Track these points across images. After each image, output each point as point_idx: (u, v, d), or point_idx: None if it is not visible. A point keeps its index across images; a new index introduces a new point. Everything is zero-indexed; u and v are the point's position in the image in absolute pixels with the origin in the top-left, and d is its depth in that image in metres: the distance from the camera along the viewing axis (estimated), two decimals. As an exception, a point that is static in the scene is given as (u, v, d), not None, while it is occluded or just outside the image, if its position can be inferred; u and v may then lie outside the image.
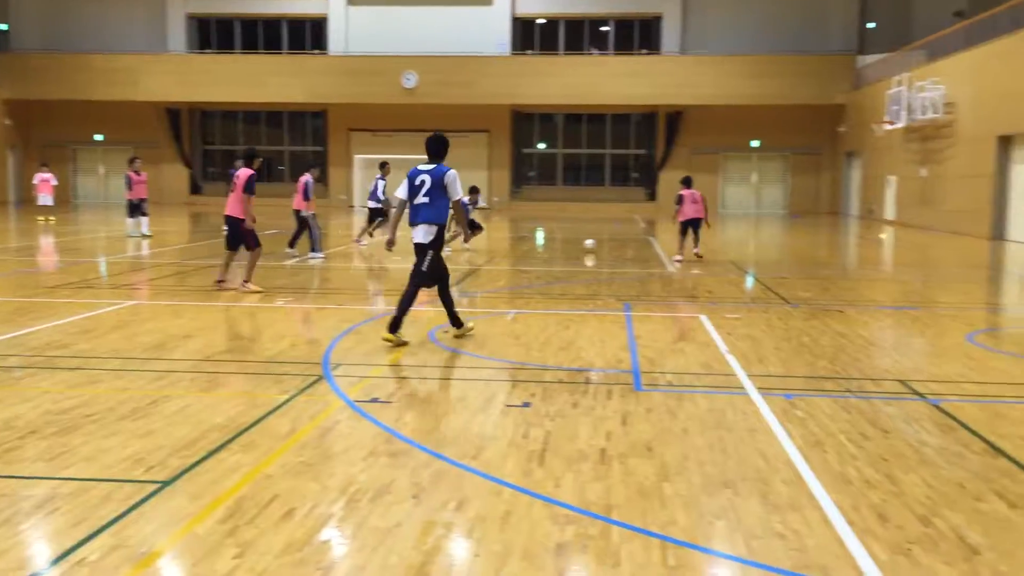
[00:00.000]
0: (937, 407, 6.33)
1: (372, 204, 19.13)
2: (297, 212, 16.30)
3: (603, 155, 40.48)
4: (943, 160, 26.86)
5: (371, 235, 19.57)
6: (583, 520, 4.24)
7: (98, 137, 41.09)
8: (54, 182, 26.93)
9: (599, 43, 39.96)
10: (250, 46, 41.13)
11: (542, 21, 40.06)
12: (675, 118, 38.63)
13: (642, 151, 40.29)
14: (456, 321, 8.75)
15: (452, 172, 8.31)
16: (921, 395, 6.68)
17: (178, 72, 38.70)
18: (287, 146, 42.01)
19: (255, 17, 40.97)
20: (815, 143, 38.52)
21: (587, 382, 6.99)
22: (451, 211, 8.46)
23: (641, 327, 9.49)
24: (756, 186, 37.77)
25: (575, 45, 39.86)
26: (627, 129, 40.51)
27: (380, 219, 19.20)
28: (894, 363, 7.97)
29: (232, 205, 11.77)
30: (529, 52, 39.56)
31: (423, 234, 8.27)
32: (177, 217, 30.69)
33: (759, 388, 6.80)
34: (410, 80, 37.56)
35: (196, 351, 7.99)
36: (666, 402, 6.40)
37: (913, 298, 12.50)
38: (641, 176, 40.51)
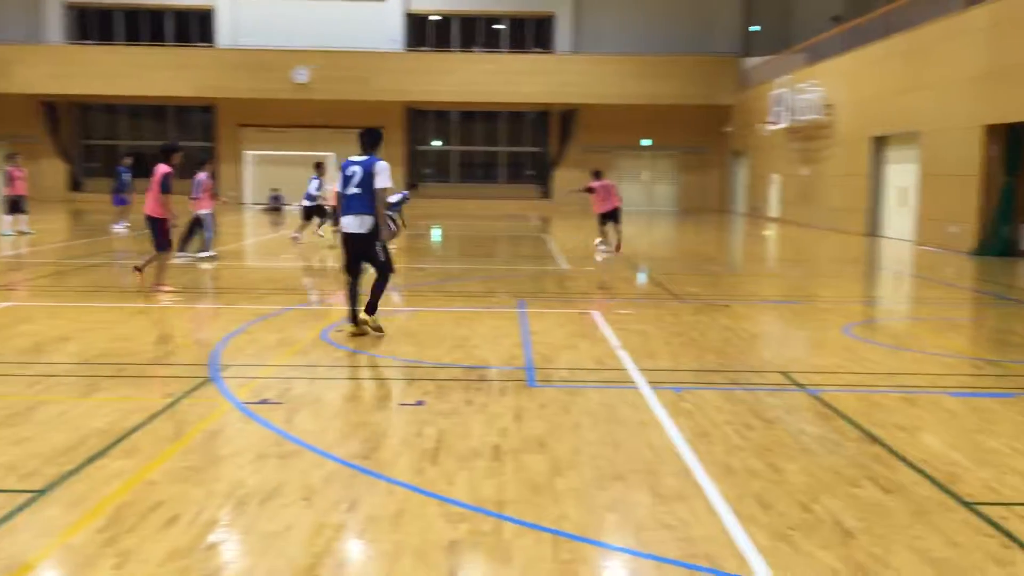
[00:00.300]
0: (816, 397, 6.59)
1: (306, 203, 18.99)
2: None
3: (498, 153, 40.66)
4: (823, 160, 27.97)
5: (320, 235, 19.43)
6: (476, 517, 4.24)
7: (-32, 130, 38.99)
8: None
9: (493, 41, 40.10)
10: (133, 38, 39.68)
11: (436, 18, 39.94)
12: (568, 116, 39.10)
13: (536, 149, 40.63)
14: (355, 317, 8.68)
15: (383, 163, 8.46)
16: (801, 386, 6.94)
17: (55, 64, 37.04)
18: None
19: (137, 7, 39.56)
20: (704, 142, 39.58)
21: (481, 379, 7.01)
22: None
23: (535, 323, 9.57)
24: (647, 184, 38.53)
25: (469, 43, 39.90)
26: (521, 127, 40.79)
27: (322, 218, 19.17)
28: (777, 355, 8.26)
29: (150, 204, 11.27)
30: (423, 49, 39.40)
31: (357, 224, 8.37)
32: (55, 214, 29.37)
33: (649, 382, 6.95)
34: (302, 75, 36.91)
35: (75, 354, 7.67)
36: (559, 397, 6.47)
37: (795, 292, 12.98)
38: (535, 174, 40.84)
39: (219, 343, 8.20)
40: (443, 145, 40.90)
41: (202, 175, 15.53)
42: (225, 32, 38.84)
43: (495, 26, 40.21)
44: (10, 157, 19.93)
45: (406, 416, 5.92)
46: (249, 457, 5.03)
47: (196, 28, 39.74)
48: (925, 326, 10.18)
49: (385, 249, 8.60)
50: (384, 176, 8.36)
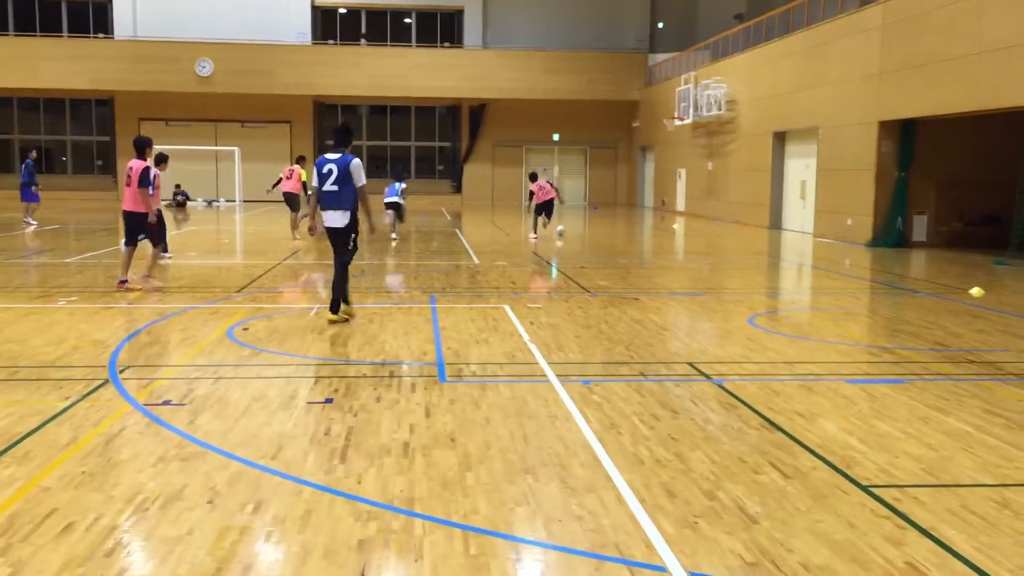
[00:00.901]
0: (720, 387, 6.74)
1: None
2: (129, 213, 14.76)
3: (408, 147, 40.42)
4: (727, 154, 28.63)
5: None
6: (385, 515, 4.21)
7: None
8: None
9: (402, 35, 39.80)
10: (25, 28, 38.08)
11: (343, 11, 39.44)
12: (478, 111, 39.13)
13: (447, 144, 40.54)
14: (336, 306, 9.19)
15: (356, 160, 8.96)
16: (707, 376, 7.09)
17: (-60, 53, 35.30)
18: (69, 135, 39.29)
19: (29, -4, 37.99)
20: (612, 137, 40.11)
21: (391, 376, 6.95)
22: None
23: (446, 319, 9.54)
24: (557, 179, 38.77)
25: (378, 36, 39.53)
26: (432, 121, 40.64)
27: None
28: (683, 346, 8.42)
29: (129, 200, 11.16)
30: (331, 42, 38.86)
31: (338, 219, 8.98)
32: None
33: (559, 375, 7.00)
34: (205, 68, 36.03)
35: (-37, 358, 7.32)
36: (470, 392, 6.47)
37: (701, 285, 13.25)
38: (446, 168, 40.74)
39: (119, 344, 7.94)
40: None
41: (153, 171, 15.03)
42: (124, 23, 37.62)
43: (404, 20, 39.94)
44: None
45: (314, 414, 5.84)
46: (150, 460, 4.89)
47: (92, 19, 38.38)
48: (824, 316, 10.51)
49: (356, 240, 9.19)
50: (360, 174, 8.93)
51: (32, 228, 21.24)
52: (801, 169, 23.83)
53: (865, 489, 4.61)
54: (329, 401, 6.16)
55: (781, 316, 10.73)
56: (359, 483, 4.61)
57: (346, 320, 9.24)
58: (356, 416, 5.80)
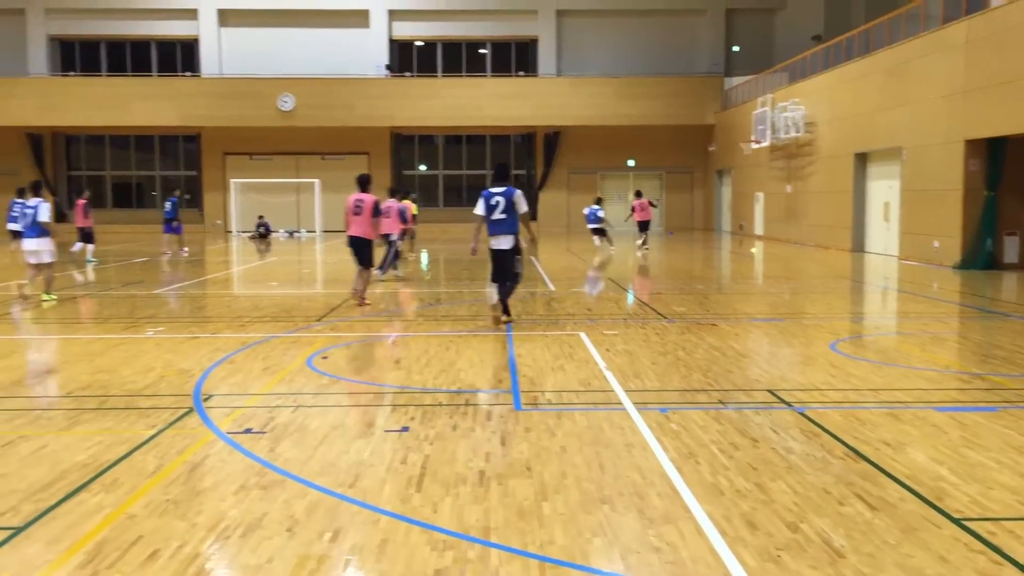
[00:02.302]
0: (802, 415, 6.57)
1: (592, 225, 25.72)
2: (387, 235, 16.83)
3: (484, 176, 40.74)
4: (806, 177, 28.13)
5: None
6: (461, 544, 4.20)
7: (-48, 163, 38.91)
8: None
9: (477, 65, 40.30)
10: (117, 68, 39.76)
11: (420, 44, 40.15)
12: (553, 138, 39.28)
13: (522, 171, 40.75)
14: (507, 309, 10.98)
15: (519, 192, 10.58)
16: (788, 404, 6.93)
17: (39, 96, 37.06)
18: (158, 171, 40.72)
19: (122, 39, 39.69)
20: (688, 162, 39.81)
21: (467, 404, 6.97)
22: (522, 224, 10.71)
23: (522, 346, 9.54)
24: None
25: (453, 67, 40.10)
26: (507, 150, 40.92)
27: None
28: (763, 373, 8.25)
29: (360, 227, 12.90)
30: (407, 74, 39.56)
31: (506, 243, 10.59)
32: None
33: (635, 403, 6.92)
34: (287, 103, 37.01)
35: (57, 387, 7.61)
36: (545, 421, 6.43)
37: (781, 310, 12.99)
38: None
39: (203, 373, 8.14)
40: (429, 169, 40.98)
41: (394, 202, 17.37)
42: (210, 61, 38.96)
43: (479, 51, 40.45)
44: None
45: (391, 443, 5.87)
46: (231, 488, 4.98)
47: (180, 58, 39.84)
48: (911, 341, 10.19)
49: (520, 262, 10.85)
50: (523, 203, 10.53)
51: (185, 254, 24.01)
52: (884, 190, 23.26)
53: (957, 522, 4.43)
54: (405, 430, 6.19)
55: (865, 341, 10.44)
56: (435, 512, 4.61)
57: (511, 321, 10.94)
58: (432, 444, 5.81)
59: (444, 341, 9.93)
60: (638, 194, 25.25)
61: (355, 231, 13.00)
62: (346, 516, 4.57)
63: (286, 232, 37.32)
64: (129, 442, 5.85)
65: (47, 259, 13.52)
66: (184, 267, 21.03)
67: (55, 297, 13.78)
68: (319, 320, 11.69)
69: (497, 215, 10.51)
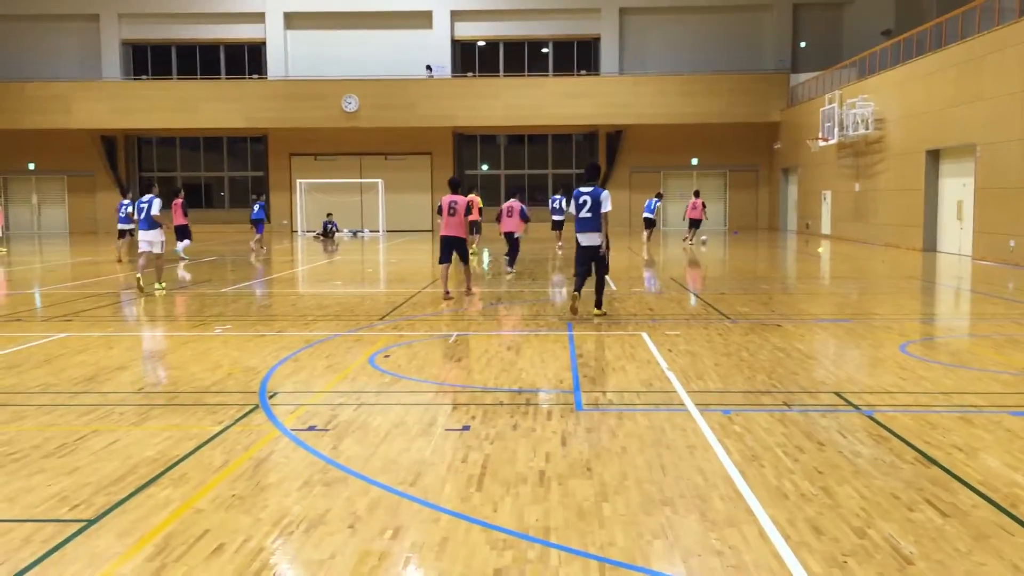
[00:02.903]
0: (871, 418, 6.42)
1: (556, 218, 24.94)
2: (510, 234, 18.75)
3: (546, 175, 40.73)
4: (875, 175, 27.52)
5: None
6: (521, 544, 4.19)
7: (30, 166, 40.24)
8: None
9: (539, 64, 40.29)
10: (188, 72, 40.72)
11: (482, 44, 40.29)
12: (615, 137, 39.08)
13: (583, 170, 40.62)
14: (600, 303, 11.59)
15: (606, 192, 11.09)
16: (855, 406, 6.78)
17: (112, 99, 38.13)
18: (227, 172, 41.58)
19: (192, 43, 40.61)
20: (752, 160, 39.27)
21: (527, 403, 6.97)
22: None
23: (583, 346, 9.51)
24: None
25: (515, 67, 40.16)
26: (568, 149, 40.85)
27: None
28: (829, 375, 8.08)
29: (454, 227, 13.50)
30: (470, 74, 39.74)
31: (590, 239, 11.08)
32: (114, 245, 30.08)
33: (698, 404, 6.84)
34: (351, 104, 37.45)
35: (128, 383, 7.80)
36: (606, 421, 6.40)
37: (848, 310, 12.72)
38: (564, 195, 40.72)
39: (269, 370, 8.27)
40: (491, 169, 41.10)
41: (515, 202, 18.87)
42: (276, 64, 39.63)
43: (542, 50, 40.43)
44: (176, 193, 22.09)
45: (452, 442, 5.90)
46: (295, 484, 5.05)
47: (248, 61, 40.62)
48: (985, 343, 9.89)
49: (607, 255, 11.27)
50: (608, 202, 10.97)
51: (263, 254, 25.50)
52: (957, 188, 22.63)
53: (1033, 531, 4.28)
54: (466, 428, 6.21)
55: (937, 343, 10.17)
56: (495, 511, 4.61)
57: (605, 314, 11.55)
58: (492, 444, 5.82)
59: (505, 340, 9.94)
60: (696, 193, 27.83)
61: (449, 231, 13.56)
62: (407, 514, 4.60)
63: (350, 232, 37.78)
64: (197, 438, 5.98)
65: (158, 249, 15.25)
66: (251, 266, 21.42)
67: (165, 285, 15.49)
68: (381, 319, 11.80)
69: (584, 213, 11.04)
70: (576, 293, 11.30)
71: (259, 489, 5.00)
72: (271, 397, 7.20)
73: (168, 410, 6.87)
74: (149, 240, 15.20)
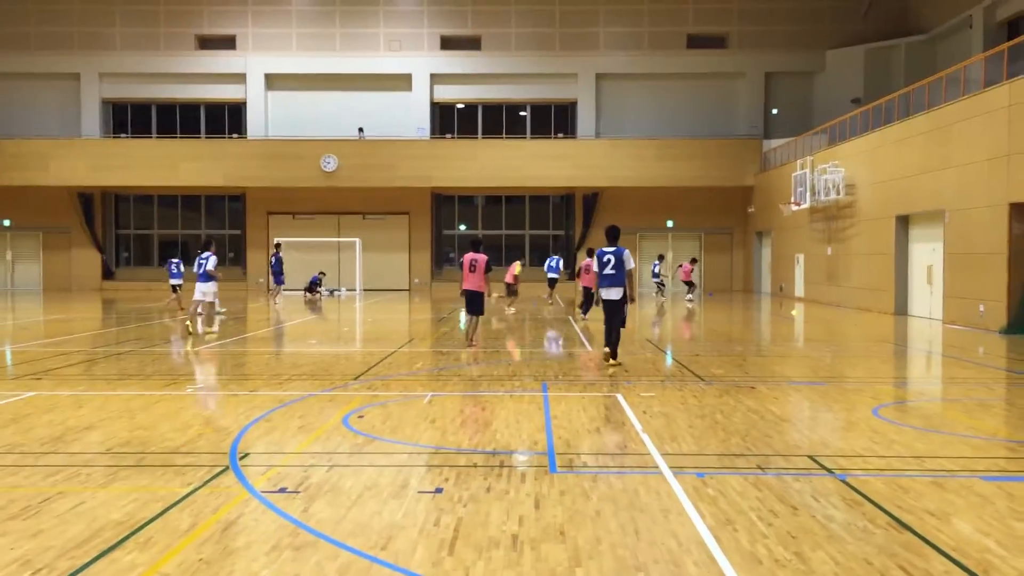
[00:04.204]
0: (844, 482, 6.43)
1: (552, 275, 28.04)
2: (588, 288, 21.20)
3: (523, 235, 40.98)
4: (847, 239, 27.92)
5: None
6: (492, 610, 4.14)
7: (6, 222, 40.02)
8: None
9: (517, 127, 40.82)
10: (167, 130, 40.88)
11: (461, 106, 40.80)
12: (592, 199, 39.49)
13: (560, 232, 40.96)
14: (615, 353, 12.90)
15: (627, 251, 12.73)
16: (829, 470, 6.79)
17: (91, 156, 38.18)
18: (204, 229, 41.51)
19: (172, 102, 40.84)
20: (727, 223, 39.76)
21: (502, 465, 6.92)
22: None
23: (558, 407, 9.49)
24: (671, 264, 38.54)
25: (494, 129, 40.65)
26: (546, 210, 41.20)
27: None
28: (803, 438, 8.10)
29: (474, 282, 15.23)
30: (448, 136, 40.16)
31: (616, 293, 12.70)
32: (88, 303, 29.85)
33: (672, 467, 6.83)
34: (330, 163, 37.67)
35: (96, 443, 7.69)
36: (580, 484, 6.36)
37: (822, 373, 12.80)
38: (560, 256, 41.02)
39: (240, 431, 8.18)
40: (468, 229, 41.33)
41: (588, 260, 20.32)
42: (256, 124, 39.89)
43: (519, 113, 40.99)
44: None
45: (424, 504, 5.84)
46: (264, 548, 4.97)
47: (228, 121, 40.87)
48: (956, 407, 9.97)
49: (626, 308, 12.85)
50: (631, 261, 12.64)
51: (280, 304, 27.22)
52: (927, 253, 22.99)
53: (1005, 597, 4.28)
54: (439, 491, 6.16)
55: (909, 407, 10.24)
56: (467, 576, 4.56)
57: (619, 365, 12.80)
58: (466, 507, 5.77)
59: (480, 401, 9.90)
60: (692, 260, 32.56)
61: (469, 285, 15.33)
62: (377, 579, 4.53)
63: (327, 291, 37.68)
64: (164, 500, 5.88)
65: (211, 299, 17.97)
66: (228, 325, 21.30)
67: (216, 330, 18.09)
68: (356, 379, 11.73)
69: (608, 271, 12.65)
70: (610, 346, 12.91)
71: (226, 553, 4.92)
72: (242, 458, 7.12)
73: (136, 471, 6.76)
74: (204, 291, 17.84)
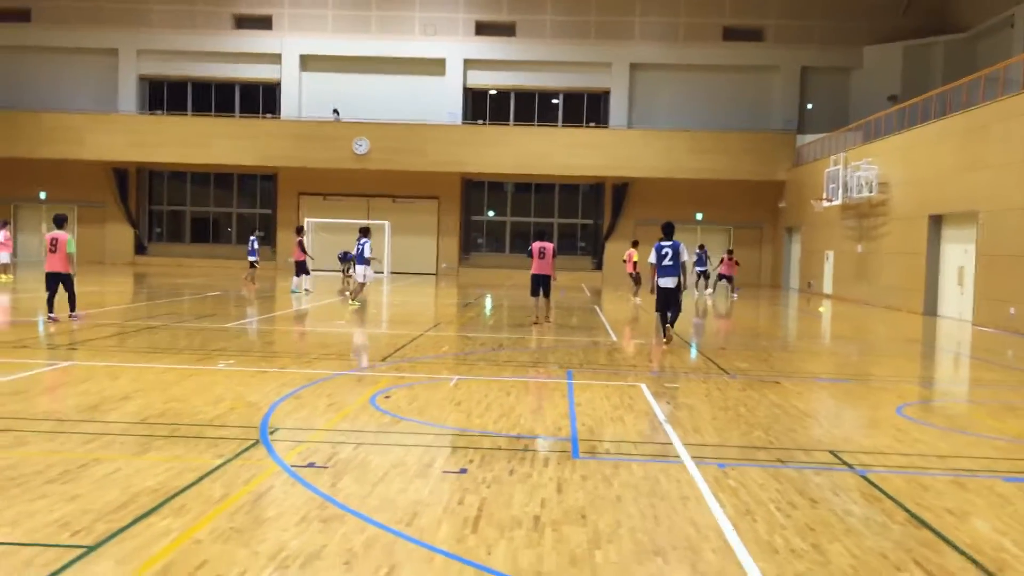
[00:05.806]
0: (864, 478, 6.49)
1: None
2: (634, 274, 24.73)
3: (551, 224, 41.02)
4: (878, 237, 27.72)
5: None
6: (513, 587, 4.25)
7: (42, 195, 40.61)
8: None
9: (549, 115, 40.81)
10: (203, 108, 41.25)
11: (493, 92, 40.83)
12: (622, 189, 39.43)
13: (589, 221, 40.97)
14: (668, 335, 14.38)
15: (683, 244, 14.26)
16: (850, 466, 6.84)
17: (127, 132, 38.63)
18: (235, 208, 41.94)
19: (208, 80, 41.20)
20: (757, 217, 39.57)
21: (525, 449, 7.04)
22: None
23: (582, 395, 9.58)
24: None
25: (525, 116, 40.67)
26: (575, 199, 41.21)
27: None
28: (825, 434, 8.15)
29: (542, 267, 16.97)
30: (480, 122, 40.23)
31: (671, 282, 14.14)
32: (121, 277, 30.29)
33: (694, 457, 6.91)
34: (361, 146, 37.88)
35: (131, 413, 7.88)
36: (602, 470, 6.46)
37: (848, 371, 12.80)
38: (588, 245, 41.09)
39: (270, 406, 8.36)
40: (497, 216, 41.43)
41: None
42: (290, 104, 40.17)
43: (552, 101, 40.97)
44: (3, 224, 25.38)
45: (449, 483, 5.97)
46: (293, 519, 5.12)
47: (262, 100, 41.18)
48: (981, 408, 9.96)
49: (681, 294, 14.35)
50: (686, 253, 14.33)
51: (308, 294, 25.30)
52: (959, 254, 22.81)
53: (1019, 595, 4.34)
54: (464, 471, 6.29)
55: (934, 407, 10.24)
56: (489, 554, 4.68)
57: (671, 339, 14.40)
58: (489, 487, 5.89)
59: (505, 386, 10.02)
60: (729, 252, 30.45)
61: (538, 270, 17.06)
62: (402, 553, 4.67)
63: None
64: (198, 470, 6.05)
65: (360, 279, 20.94)
66: (256, 304, 21.56)
67: (358, 303, 20.90)
68: (383, 360, 11.89)
69: (666, 262, 14.09)
70: (668, 326, 14.37)
71: (257, 523, 5.07)
72: (272, 433, 7.28)
73: (170, 442, 6.95)
74: (362, 272, 20.82)
